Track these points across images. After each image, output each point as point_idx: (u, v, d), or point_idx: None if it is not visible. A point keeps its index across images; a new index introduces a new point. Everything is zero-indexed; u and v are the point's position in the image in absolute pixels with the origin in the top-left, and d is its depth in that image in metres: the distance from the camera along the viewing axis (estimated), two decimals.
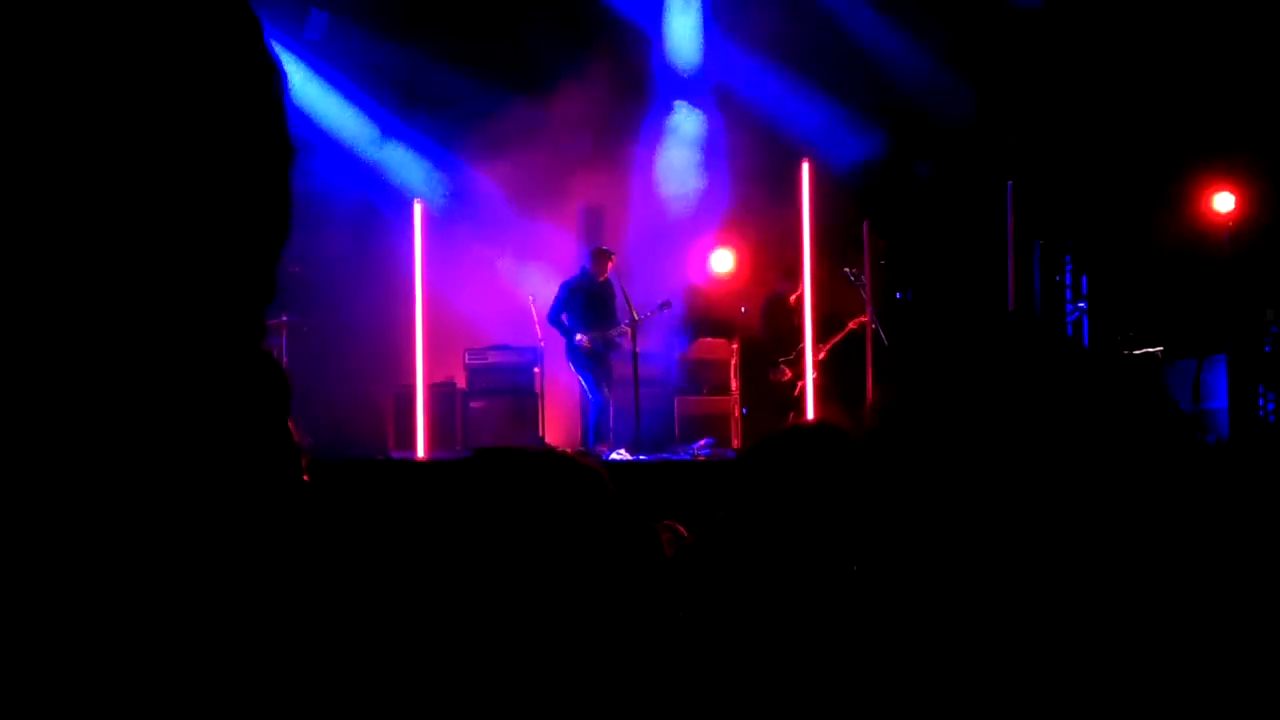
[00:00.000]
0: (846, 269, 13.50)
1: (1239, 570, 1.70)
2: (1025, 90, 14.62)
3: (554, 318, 13.40)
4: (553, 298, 13.50)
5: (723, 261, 15.31)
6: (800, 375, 13.33)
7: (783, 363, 13.41)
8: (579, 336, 13.25)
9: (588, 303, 13.31)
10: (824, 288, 13.47)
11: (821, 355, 13.47)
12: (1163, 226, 14.24)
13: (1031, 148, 14.66)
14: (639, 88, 15.43)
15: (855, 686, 2.08)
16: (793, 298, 13.59)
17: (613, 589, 2.16)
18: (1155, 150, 14.18)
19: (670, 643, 2.59)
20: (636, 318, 13.25)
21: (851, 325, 13.60)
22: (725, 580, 2.77)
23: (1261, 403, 12.61)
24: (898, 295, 15.09)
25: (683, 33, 15.56)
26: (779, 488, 2.71)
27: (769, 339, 13.68)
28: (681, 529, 4.75)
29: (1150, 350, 13.19)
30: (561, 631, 2.14)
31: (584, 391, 13.65)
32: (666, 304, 13.77)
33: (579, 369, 13.41)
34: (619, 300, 13.44)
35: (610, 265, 13.47)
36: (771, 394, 14.01)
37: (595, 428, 13.35)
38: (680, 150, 15.52)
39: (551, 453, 2.39)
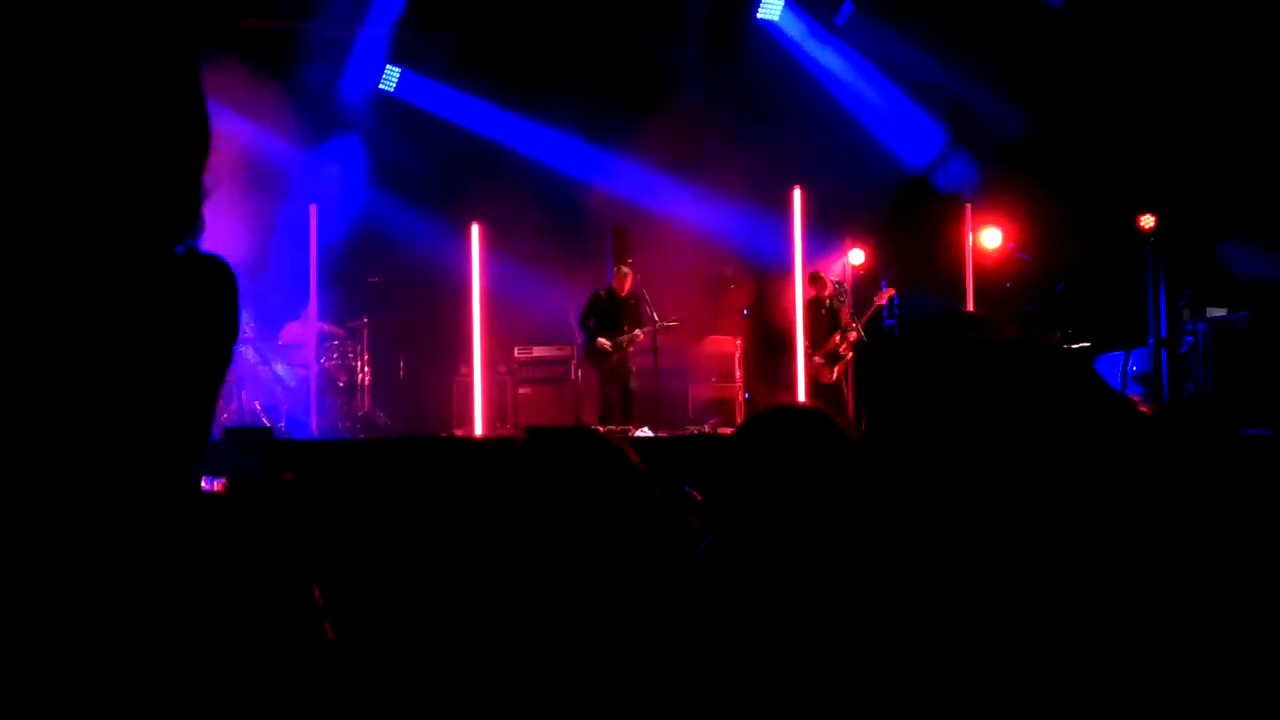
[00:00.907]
0: (832, 279, 13.64)
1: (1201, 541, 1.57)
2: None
3: (582, 321, 13.61)
4: (582, 304, 13.71)
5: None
6: (831, 364, 13.46)
7: (818, 355, 13.45)
8: (600, 340, 13.40)
9: (606, 311, 13.48)
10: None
11: (854, 336, 13.52)
12: (1096, 241, 14.32)
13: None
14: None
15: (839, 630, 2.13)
16: (825, 297, 13.59)
17: (632, 529, 2.31)
18: (1088, 176, 14.25)
19: (679, 576, 2.70)
20: (658, 323, 13.40)
21: (879, 300, 13.63)
22: (725, 533, 2.89)
23: (1188, 385, 12.66)
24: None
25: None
26: (762, 456, 2.77)
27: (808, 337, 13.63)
28: (695, 494, 4.82)
29: (1082, 345, 13.35)
30: (599, 559, 2.26)
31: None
32: (675, 323, 14.00)
33: (593, 365, 13.64)
34: (642, 310, 13.55)
35: (628, 280, 13.58)
36: (769, 381, 14.15)
37: (622, 410, 13.46)
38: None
39: (586, 429, 2.55)
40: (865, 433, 1.84)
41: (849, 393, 13.31)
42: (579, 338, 14.26)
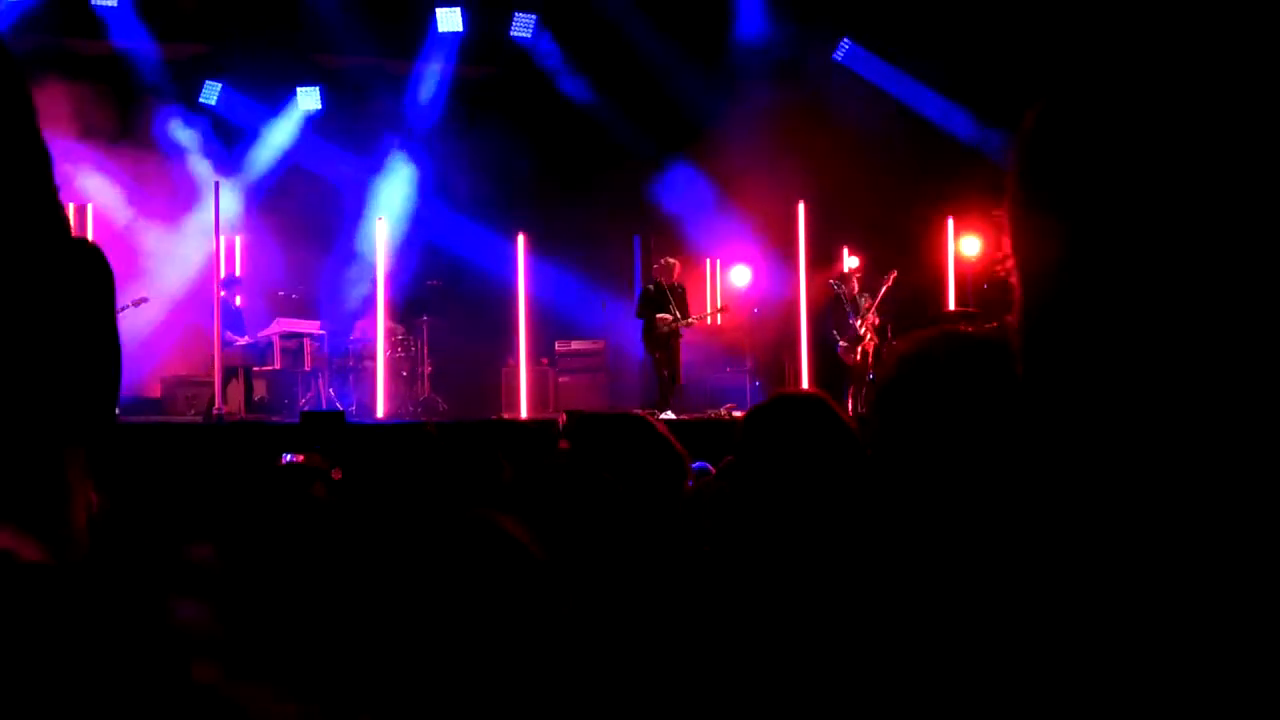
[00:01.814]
0: (830, 280, 13.52)
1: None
2: None
3: (640, 313, 13.18)
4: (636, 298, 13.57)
5: (741, 275, 15.36)
6: (854, 347, 13.15)
7: (842, 340, 13.20)
8: (661, 315, 12.94)
9: (657, 301, 13.05)
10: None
11: (875, 320, 13.25)
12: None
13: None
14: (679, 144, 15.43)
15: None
16: (845, 289, 13.37)
17: (655, 488, 2.30)
18: None
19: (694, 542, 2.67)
20: (712, 311, 13.34)
21: (886, 283, 13.42)
22: (734, 505, 2.78)
23: None
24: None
25: None
26: (767, 439, 2.71)
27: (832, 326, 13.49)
28: (711, 468, 4.76)
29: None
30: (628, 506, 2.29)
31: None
32: (723, 310, 13.88)
33: (653, 350, 13.16)
34: (688, 299, 13.38)
35: (675, 270, 13.28)
36: (778, 370, 14.12)
37: (659, 395, 13.23)
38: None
39: (634, 415, 2.52)
40: (875, 434, 1.73)
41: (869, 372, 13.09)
42: (612, 332, 14.20)
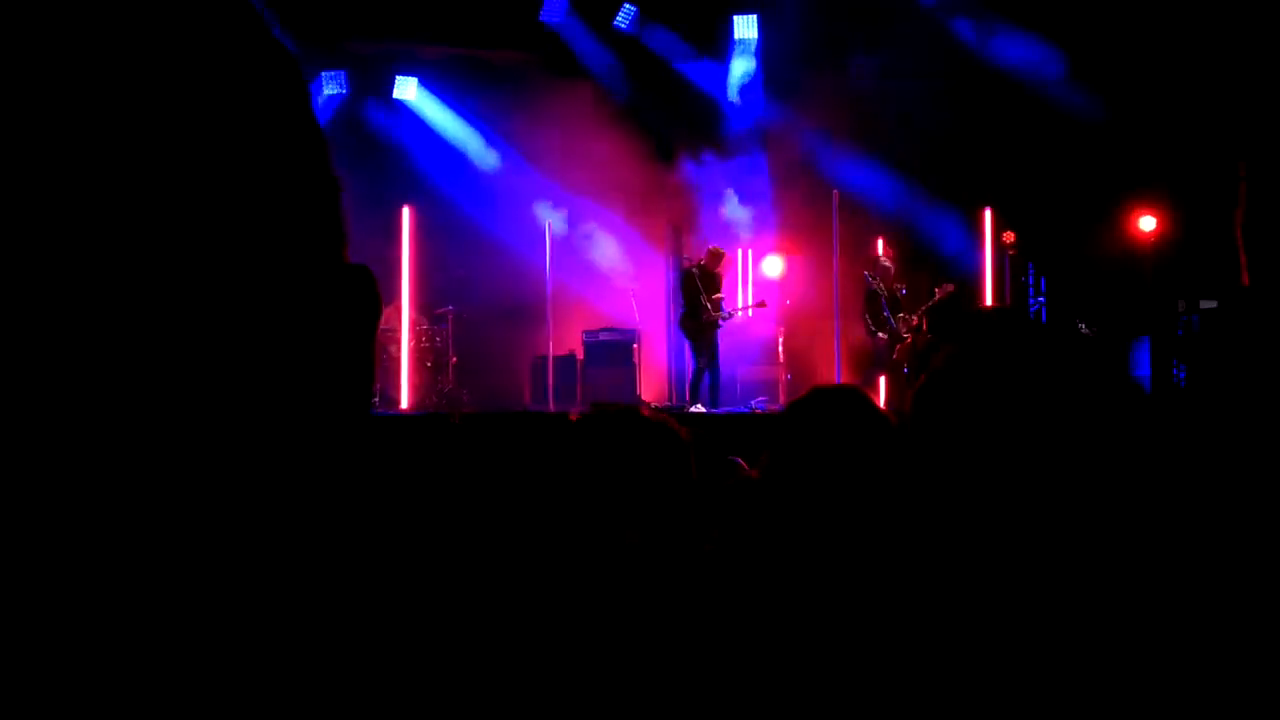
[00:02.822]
0: (865, 271, 13.41)
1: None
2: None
3: (688, 294, 13.05)
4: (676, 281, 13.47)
5: (774, 266, 15.24)
6: (893, 343, 13.09)
7: (881, 334, 13.12)
8: (711, 311, 12.87)
9: (703, 286, 12.98)
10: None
11: (915, 321, 13.15)
12: (1101, 241, 14.12)
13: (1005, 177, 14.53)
14: (709, 140, 15.39)
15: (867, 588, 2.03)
16: (880, 284, 13.27)
17: (673, 485, 2.27)
18: (1096, 182, 14.03)
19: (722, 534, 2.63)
20: (750, 305, 13.30)
21: (939, 295, 13.32)
22: (770, 504, 2.77)
23: (1175, 372, 12.56)
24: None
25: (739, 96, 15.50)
26: (807, 432, 2.70)
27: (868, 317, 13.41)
28: (743, 463, 4.69)
29: (1086, 332, 13.11)
30: (649, 494, 2.29)
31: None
32: (762, 303, 13.82)
33: (695, 337, 13.06)
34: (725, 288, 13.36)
35: (723, 259, 13.27)
36: (808, 363, 14.03)
37: (691, 386, 13.07)
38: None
39: (638, 407, 2.48)
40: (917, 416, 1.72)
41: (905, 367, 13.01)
42: (641, 322, 14.13)
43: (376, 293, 0.95)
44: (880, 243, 14.12)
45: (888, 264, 13.29)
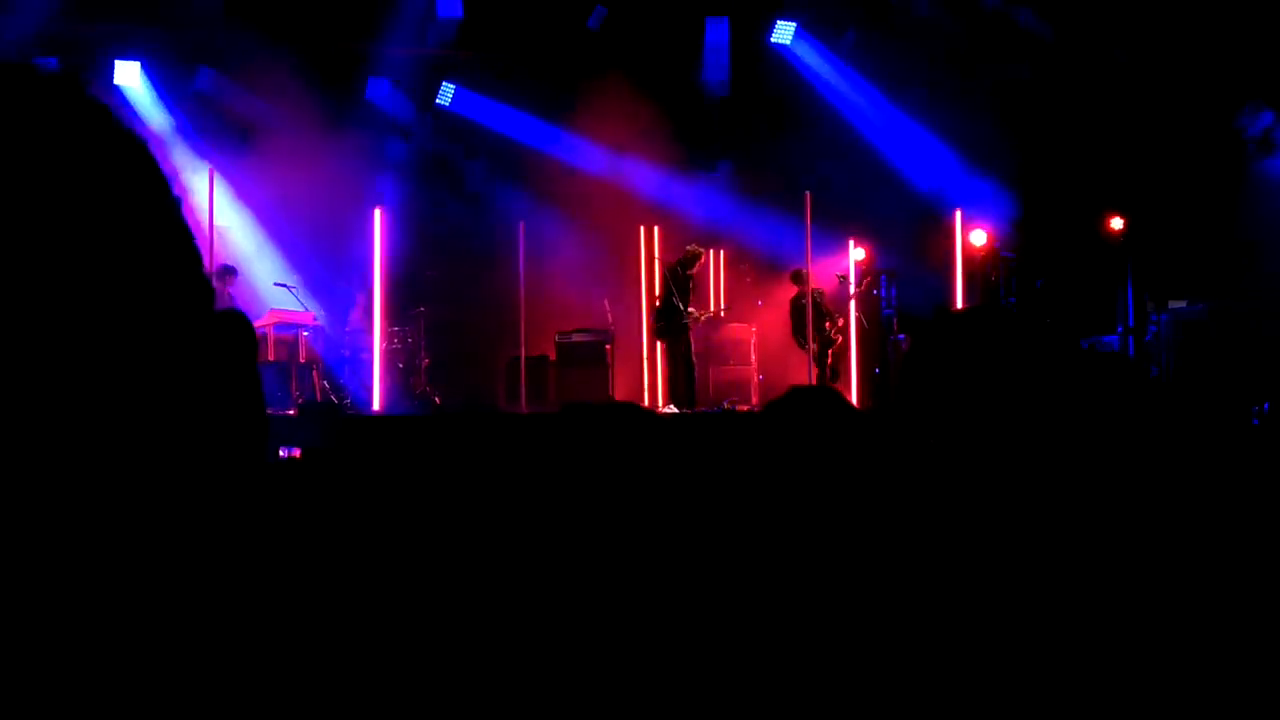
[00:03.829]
0: (838, 274, 13.59)
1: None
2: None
3: (667, 293, 13.19)
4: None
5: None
6: (825, 350, 13.40)
7: (813, 343, 13.33)
8: (690, 310, 13.01)
9: (682, 287, 13.10)
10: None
11: (840, 322, 13.52)
12: (1073, 242, 14.31)
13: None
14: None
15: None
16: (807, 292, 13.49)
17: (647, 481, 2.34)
18: (1066, 189, 14.23)
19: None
20: (715, 309, 13.38)
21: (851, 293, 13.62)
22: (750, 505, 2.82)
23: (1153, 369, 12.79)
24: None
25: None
26: (785, 432, 2.74)
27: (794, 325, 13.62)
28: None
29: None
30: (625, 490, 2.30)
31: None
32: (729, 308, 13.92)
33: (669, 338, 13.27)
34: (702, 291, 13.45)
35: (699, 261, 13.36)
36: (780, 363, 14.17)
37: (668, 388, 13.21)
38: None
39: (617, 405, 2.56)
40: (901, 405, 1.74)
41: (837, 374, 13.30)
42: (613, 324, 14.24)
43: (251, 336, 0.99)
44: (851, 243, 14.28)
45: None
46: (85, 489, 0.85)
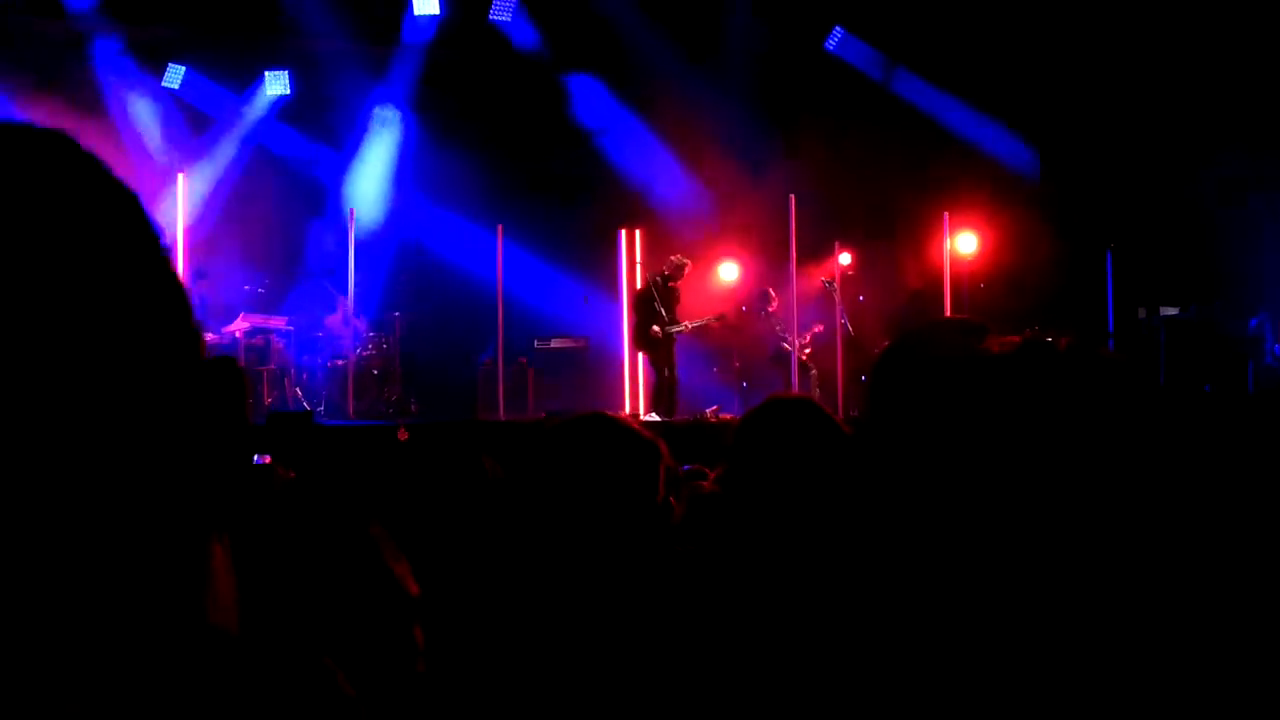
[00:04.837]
0: (823, 279, 13.56)
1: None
2: None
3: (644, 305, 13.04)
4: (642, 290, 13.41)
5: (729, 272, 15.33)
6: (777, 364, 13.44)
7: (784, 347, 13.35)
8: (654, 329, 12.82)
9: (665, 299, 12.95)
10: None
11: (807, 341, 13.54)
12: (1061, 248, 14.43)
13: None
14: None
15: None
16: (772, 307, 13.61)
17: (630, 485, 2.32)
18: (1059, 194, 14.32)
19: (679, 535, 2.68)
20: (709, 318, 13.38)
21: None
22: (729, 507, 2.81)
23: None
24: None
25: None
26: (763, 440, 2.75)
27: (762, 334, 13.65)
28: (708, 470, 4.70)
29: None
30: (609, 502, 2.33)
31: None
32: (722, 316, 13.86)
33: (649, 349, 13.15)
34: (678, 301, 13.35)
35: (685, 271, 13.15)
36: (764, 372, 14.13)
37: (653, 397, 13.14)
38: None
39: (598, 414, 2.53)
40: (864, 422, 1.73)
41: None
42: (593, 330, 14.18)
43: (240, 384, 1.01)
44: (835, 245, 14.27)
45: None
46: (69, 537, 0.87)
